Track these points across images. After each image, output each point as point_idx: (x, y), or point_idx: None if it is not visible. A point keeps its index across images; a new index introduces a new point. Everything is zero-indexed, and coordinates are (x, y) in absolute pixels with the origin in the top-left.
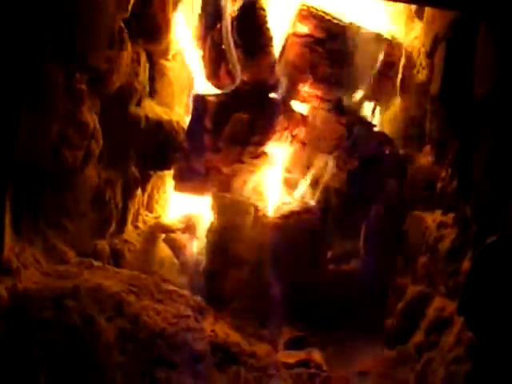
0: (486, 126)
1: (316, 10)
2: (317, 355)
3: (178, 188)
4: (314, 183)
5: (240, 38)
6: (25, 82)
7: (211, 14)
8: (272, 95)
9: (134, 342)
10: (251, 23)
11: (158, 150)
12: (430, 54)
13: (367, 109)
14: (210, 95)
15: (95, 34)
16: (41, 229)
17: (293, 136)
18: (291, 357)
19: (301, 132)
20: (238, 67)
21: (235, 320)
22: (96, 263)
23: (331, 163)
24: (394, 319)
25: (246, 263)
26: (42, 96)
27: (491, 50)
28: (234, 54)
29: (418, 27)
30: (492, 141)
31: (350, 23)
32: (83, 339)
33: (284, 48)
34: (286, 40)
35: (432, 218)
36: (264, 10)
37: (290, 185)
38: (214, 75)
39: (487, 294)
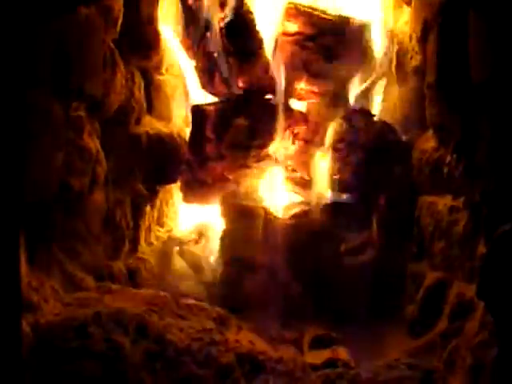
0: (484, 112)
1: (303, 6)
2: (343, 353)
3: (186, 199)
4: (321, 179)
5: (231, 43)
6: (25, 120)
7: (198, 23)
8: (269, 97)
9: (161, 362)
10: (240, 28)
11: (162, 164)
12: (421, 39)
13: (366, 99)
14: (207, 104)
15: (89, 64)
16: (56, 258)
17: (294, 135)
18: (317, 357)
19: (302, 130)
20: (228, 74)
21: (257, 325)
22: (114, 286)
23: (335, 157)
24: (414, 307)
25: (262, 266)
26: (43, 131)
27: (484, 33)
28: (224, 61)
29: (407, 12)
30: (491, 127)
31: (339, 16)
32: (111, 365)
33: (275, 48)
34: (276, 40)
35: (443, 203)
36: (252, 13)
37: (297, 183)
38: (208, 84)
39: (505, 278)
